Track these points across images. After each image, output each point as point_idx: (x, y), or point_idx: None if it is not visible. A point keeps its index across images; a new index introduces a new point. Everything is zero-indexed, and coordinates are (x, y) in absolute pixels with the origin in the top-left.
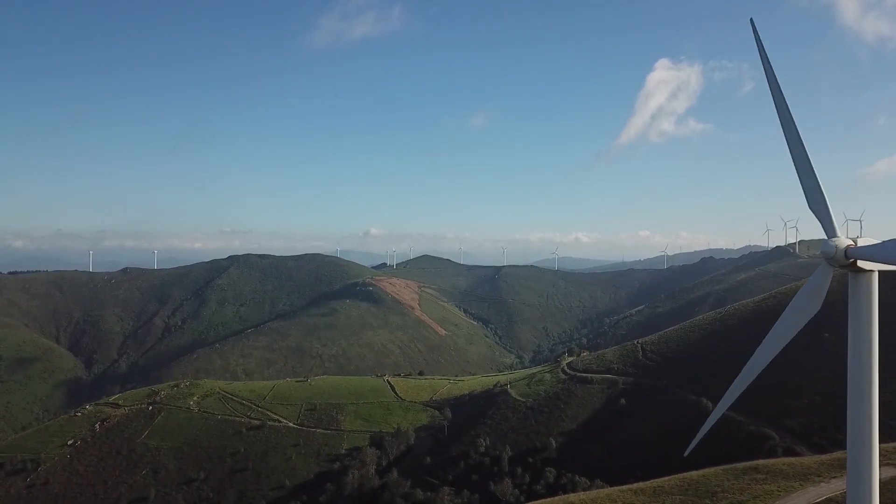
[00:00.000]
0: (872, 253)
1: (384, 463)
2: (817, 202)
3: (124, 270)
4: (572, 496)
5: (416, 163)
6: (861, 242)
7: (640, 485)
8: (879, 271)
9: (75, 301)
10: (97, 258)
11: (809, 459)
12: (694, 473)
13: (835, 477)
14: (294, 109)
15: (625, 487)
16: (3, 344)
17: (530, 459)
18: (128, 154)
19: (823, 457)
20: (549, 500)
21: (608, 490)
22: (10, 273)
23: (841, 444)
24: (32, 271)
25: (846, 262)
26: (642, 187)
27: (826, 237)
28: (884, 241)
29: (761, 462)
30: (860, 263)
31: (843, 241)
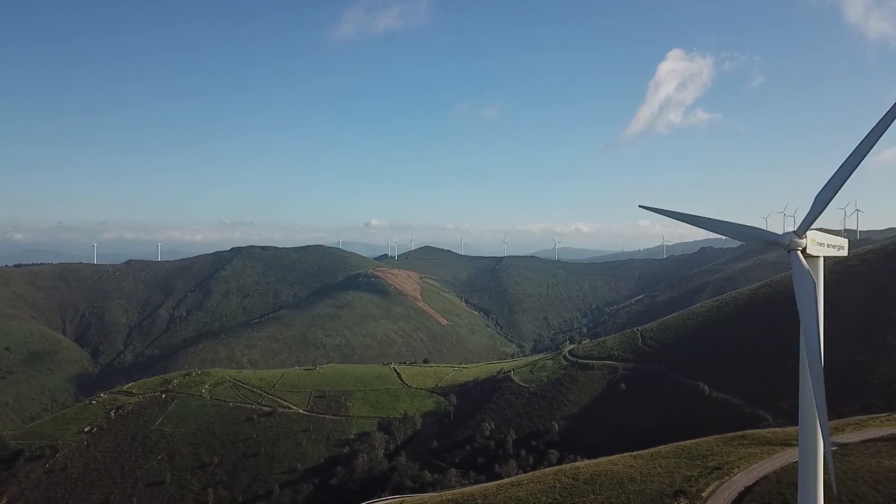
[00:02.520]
0: (810, 216)
1: (392, 447)
2: (753, 243)
3: (129, 262)
4: (579, 463)
5: (417, 154)
6: (813, 237)
7: (640, 452)
8: (824, 256)
9: (80, 293)
10: (98, 250)
11: (791, 429)
12: (688, 442)
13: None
14: (296, 102)
15: (625, 454)
16: (11, 336)
17: (534, 442)
18: (129, 146)
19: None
20: (557, 467)
21: (610, 457)
22: (15, 266)
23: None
24: (36, 264)
25: (801, 244)
26: (645, 177)
27: (774, 238)
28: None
29: (748, 431)
30: (809, 250)
31: (787, 231)
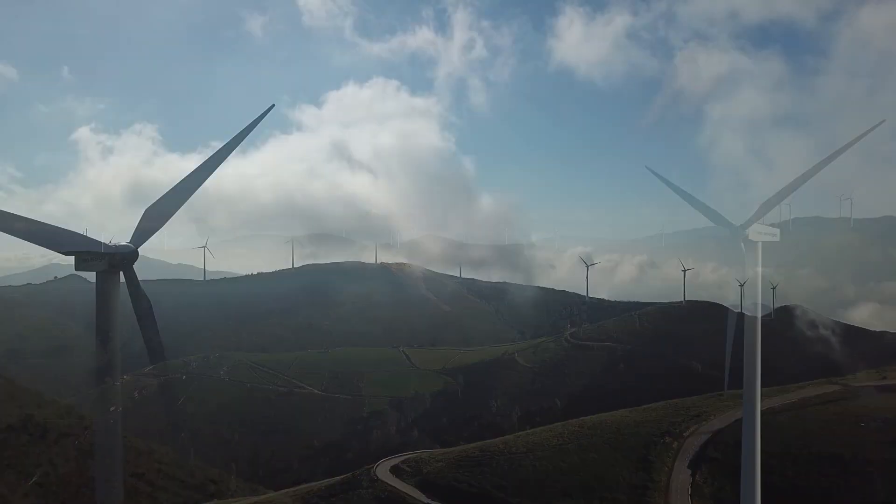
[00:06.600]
0: (753, 219)
1: (404, 424)
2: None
3: None
4: (583, 418)
5: None
6: (754, 228)
7: (634, 407)
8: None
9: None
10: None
11: (765, 389)
12: (676, 400)
13: (775, 395)
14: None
15: (622, 409)
16: (22, 323)
17: (538, 418)
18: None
19: (774, 387)
20: (563, 422)
21: (609, 412)
22: None
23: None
24: None
25: (744, 232)
26: (648, 168)
27: (728, 226)
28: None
29: (726, 391)
30: (751, 237)
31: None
